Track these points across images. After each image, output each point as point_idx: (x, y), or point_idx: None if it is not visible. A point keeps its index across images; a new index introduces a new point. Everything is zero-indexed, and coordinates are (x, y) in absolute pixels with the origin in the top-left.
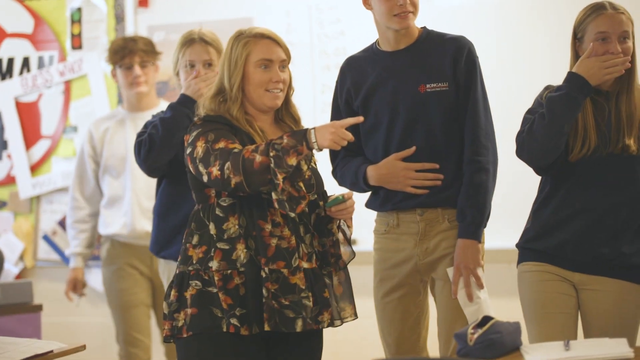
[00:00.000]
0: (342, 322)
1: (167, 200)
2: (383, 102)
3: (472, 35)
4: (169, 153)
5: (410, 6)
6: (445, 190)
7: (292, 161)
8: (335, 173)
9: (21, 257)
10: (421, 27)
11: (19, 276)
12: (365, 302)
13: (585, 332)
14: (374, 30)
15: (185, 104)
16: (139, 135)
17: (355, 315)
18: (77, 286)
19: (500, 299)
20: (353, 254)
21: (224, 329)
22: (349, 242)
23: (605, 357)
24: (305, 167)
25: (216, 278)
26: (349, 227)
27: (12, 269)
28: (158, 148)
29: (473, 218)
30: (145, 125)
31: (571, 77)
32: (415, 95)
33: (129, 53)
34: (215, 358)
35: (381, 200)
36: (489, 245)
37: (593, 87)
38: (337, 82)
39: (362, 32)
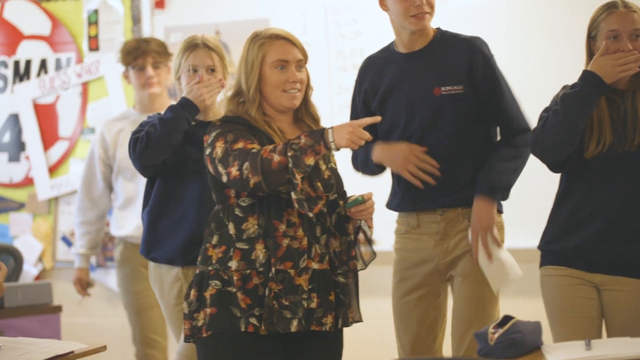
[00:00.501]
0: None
1: (161, 200)
2: (399, 104)
3: (485, 35)
4: (165, 153)
5: (427, 7)
6: (463, 190)
7: (310, 161)
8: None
9: (40, 258)
10: (435, 28)
11: (37, 277)
12: (384, 302)
13: (608, 332)
14: (390, 31)
15: (185, 107)
16: (135, 132)
17: (360, 319)
18: (82, 286)
19: (520, 298)
20: (374, 254)
21: (242, 329)
22: (369, 242)
23: (627, 357)
24: (323, 167)
25: (235, 278)
26: (370, 227)
27: (31, 270)
28: (154, 147)
29: (492, 180)
30: (141, 125)
31: (586, 75)
32: (430, 98)
33: (141, 54)
34: (233, 357)
35: (399, 201)
36: (509, 244)
37: (608, 85)
38: (355, 82)
39: (379, 32)
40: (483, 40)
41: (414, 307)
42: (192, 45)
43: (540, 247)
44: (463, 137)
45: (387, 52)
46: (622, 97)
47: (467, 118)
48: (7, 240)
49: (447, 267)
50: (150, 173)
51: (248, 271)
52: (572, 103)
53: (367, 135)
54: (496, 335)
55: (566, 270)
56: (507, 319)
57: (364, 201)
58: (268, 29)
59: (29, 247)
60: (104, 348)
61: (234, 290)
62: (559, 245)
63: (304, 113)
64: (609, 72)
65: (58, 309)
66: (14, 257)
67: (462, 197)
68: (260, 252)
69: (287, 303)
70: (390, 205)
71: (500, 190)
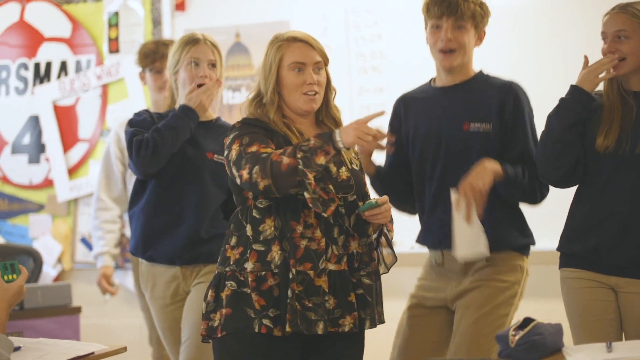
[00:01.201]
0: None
1: (156, 199)
2: (429, 134)
3: (496, 38)
4: (166, 160)
5: (453, 44)
6: (488, 231)
7: (321, 160)
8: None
9: (59, 260)
10: (478, 70)
11: (57, 278)
12: (402, 304)
13: (626, 334)
14: (410, 33)
15: (190, 116)
16: (133, 134)
17: (382, 320)
18: (108, 282)
19: (539, 300)
20: (395, 257)
21: (256, 329)
22: (390, 245)
23: None
24: (334, 169)
25: (250, 279)
26: (390, 230)
27: (50, 271)
28: (160, 155)
29: (510, 168)
30: (136, 124)
31: (569, 88)
32: (458, 132)
33: (160, 57)
34: (247, 358)
35: (423, 237)
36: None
37: (589, 94)
38: (390, 120)
39: (399, 35)
40: (519, 85)
41: (416, 326)
42: (193, 40)
43: (558, 249)
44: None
45: (424, 88)
46: (635, 99)
47: (492, 157)
48: (27, 241)
49: (454, 298)
50: (148, 176)
51: (263, 272)
52: (553, 118)
53: (373, 131)
54: (517, 338)
55: (583, 273)
56: (527, 321)
57: (378, 205)
58: (288, 32)
59: (48, 248)
60: (124, 349)
61: (249, 291)
62: (574, 248)
63: (325, 115)
64: (586, 79)
65: (77, 310)
66: (33, 259)
67: (489, 238)
68: (275, 253)
69: (310, 305)
70: (419, 239)
71: (509, 176)
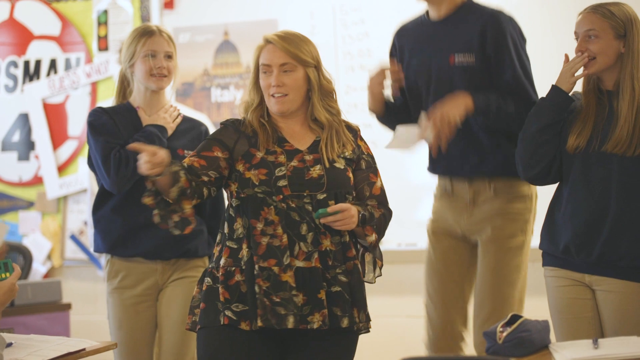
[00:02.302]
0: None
1: (131, 199)
2: (420, 69)
3: None
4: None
5: None
6: (488, 161)
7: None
8: None
9: (49, 257)
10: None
11: (46, 275)
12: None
13: (604, 331)
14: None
15: (164, 135)
16: (107, 147)
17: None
18: None
19: (528, 297)
20: (375, 260)
21: (221, 322)
22: (372, 251)
23: (633, 356)
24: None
25: (220, 273)
26: (369, 234)
27: (40, 268)
28: (138, 174)
29: (482, 96)
30: (94, 129)
31: (550, 89)
32: (444, 66)
33: None
34: (216, 351)
35: (432, 165)
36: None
37: (565, 93)
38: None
39: (386, 33)
40: (504, 14)
41: (440, 256)
42: (149, 32)
43: (539, 247)
44: None
45: (419, 20)
46: (608, 98)
47: (480, 90)
48: (17, 238)
49: (471, 230)
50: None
51: (233, 268)
52: (532, 116)
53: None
54: (504, 334)
55: (560, 272)
56: (515, 317)
57: (328, 214)
58: (271, 33)
59: (38, 245)
60: (114, 345)
61: (218, 285)
62: (551, 247)
63: (310, 116)
64: (562, 78)
65: (67, 306)
66: (23, 255)
67: (486, 169)
68: (244, 251)
69: (278, 300)
70: (428, 168)
71: (478, 107)
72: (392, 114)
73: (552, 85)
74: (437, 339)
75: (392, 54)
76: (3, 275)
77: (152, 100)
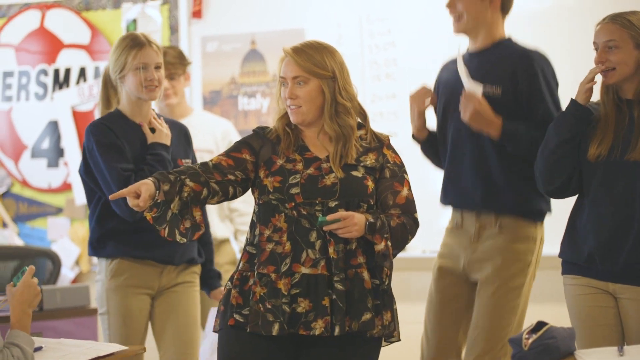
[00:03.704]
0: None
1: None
2: (450, 96)
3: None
4: None
5: (453, 13)
6: (497, 196)
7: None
8: None
9: (77, 262)
10: (508, 36)
11: (74, 280)
12: (416, 307)
13: (627, 339)
14: (423, 41)
15: (168, 150)
16: (124, 179)
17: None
18: None
19: (552, 304)
20: (384, 267)
21: (227, 322)
22: (380, 257)
23: None
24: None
25: (235, 277)
26: (377, 243)
27: (68, 273)
28: None
29: (517, 125)
30: (102, 148)
31: (569, 102)
32: None
33: None
34: (226, 353)
35: (443, 197)
36: (544, 251)
37: (583, 106)
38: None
39: (412, 42)
40: (540, 53)
41: (439, 294)
42: (139, 44)
43: (559, 256)
44: (496, 142)
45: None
46: (629, 107)
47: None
48: (45, 244)
49: (472, 268)
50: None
51: (248, 273)
52: (551, 131)
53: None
54: (530, 341)
55: (582, 280)
56: (541, 324)
57: (328, 222)
58: (293, 44)
59: (67, 251)
60: (143, 349)
61: (233, 288)
62: (573, 255)
63: (326, 128)
64: (579, 92)
65: (95, 311)
66: (52, 261)
67: (496, 204)
68: (257, 257)
69: (270, 306)
70: (441, 200)
71: (512, 129)
72: (433, 144)
73: (571, 99)
74: None
75: (436, 89)
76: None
77: (142, 109)
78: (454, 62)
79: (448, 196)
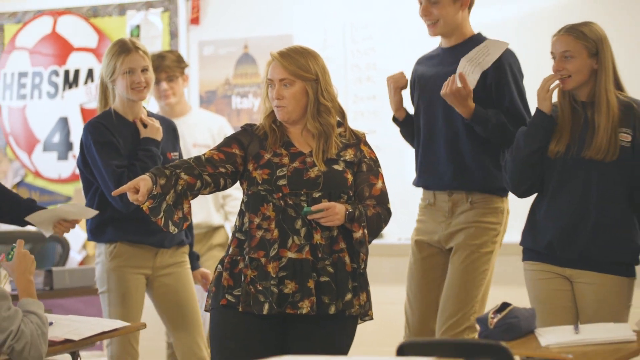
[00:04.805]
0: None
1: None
2: (425, 86)
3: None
4: None
5: (432, 17)
6: (468, 176)
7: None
8: None
9: (84, 246)
10: (477, 33)
11: (82, 262)
12: (388, 289)
13: (580, 319)
14: (401, 47)
15: (158, 145)
16: (119, 175)
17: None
18: None
19: (510, 287)
20: (360, 253)
21: (220, 302)
22: (357, 245)
23: (611, 340)
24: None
25: (226, 261)
26: (355, 231)
27: (76, 256)
28: None
29: (487, 111)
30: (100, 146)
31: (535, 112)
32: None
33: (156, 70)
34: (219, 330)
35: (417, 180)
36: (506, 239)
37: (545, 114)
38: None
39: (391, 48)
40: (509, 50)
41: (419, 265)
42: (126, 49)
43: (520, 243)
44: (467, 125)
45: (435, 50)
46: (583, 108)
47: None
48: None
49: (446, 239)
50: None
51: (238, 257)
52: (522, 139)
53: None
54: (495, 320)
55: (541, 265)
56: (505, 305)
57: (312, 212)
58: (280, 49)
59: (75, 236)
60: (143, 326)
61: (224, 271)
62: (533, 244)
63: (310, 126)
64: (539, 99)
65: None
66: (61, 245)
67: (466, 182)
68: (247, 243)
69: (260, 288)
70: (414, 182)
71: (482, 113)
72: (410, 125)
73: (538, 110)
74: (412, 335)
75: (411, 79)
76: (10, 255)
77: (134, 108)
78: (429, 57)
79: (422, 178)
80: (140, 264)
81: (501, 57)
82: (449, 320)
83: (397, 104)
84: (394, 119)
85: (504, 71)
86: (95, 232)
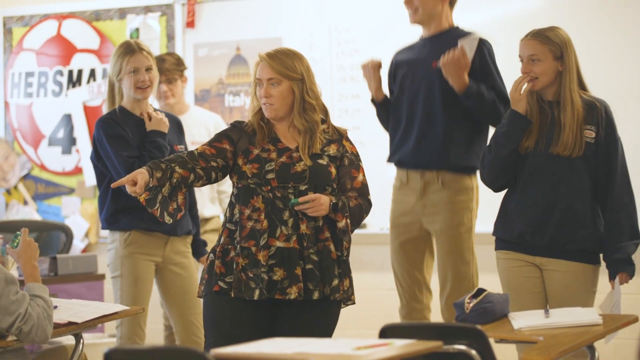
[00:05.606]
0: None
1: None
2: (407, 71)
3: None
4: None
5: (409, 8)
6: (439, 156)
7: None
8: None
9: (86, 235)
10: (455, 26)
11: (84, 250)
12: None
13: (549, 304)
14: (383, 49)
15: (165, 138)
16: (130, 164)
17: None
18: None
19: (484, 274)
20: (343, 241)
21: (212, 288)
22: (340, 234)
23: (579, 323)
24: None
25: (218, 250)
26: (338, 221)
27: (79, 244)
28: None
29: (480, 86)
30: (112, 141)
31: (509, 112)
32: (427, 69)
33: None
34: (212, 315)
35: (391, 156)
36: (481, 229)
37: (521, 114)
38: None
39: (373, 50)
40: (483, 39)
41: (401, 247)
42: (130, 51)
43: (493, 234)
44: (450, 107)
45: (415, 41)
46: (550, 107)
47: (450, 91)
48: (60, 219)
49: (424, 220)
50: None
51: (229, 246)
52: (500, 138)
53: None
54: (471, 305)
55: (513, 254)
56: (480, 291)
57: (299, 203)
58: (267, 50)
59: (78, 225)
60: (142, 310)
61: (216, 259)
62: (505, 234)
63: (296, 122)
64: (513, 101)
65: (102, 277)
66: (65, 233)
67: (437, 160)
68: (238, 232)
69: (251, 275)
70: (389, 159)
71: (474, 90)
72: (386, 108)
73: (512, 111)
74: (408, 306)
75: (390, 68)
76: (16, 242)
77: (140, 104)
78: (408, 48)
79: (395, 155)
80: (152, 252)
81: (479, 44)
82: (449, 298)
83: (377, 82)
84: (372, 101)
85: (484, 54)
86: (110, 220)
